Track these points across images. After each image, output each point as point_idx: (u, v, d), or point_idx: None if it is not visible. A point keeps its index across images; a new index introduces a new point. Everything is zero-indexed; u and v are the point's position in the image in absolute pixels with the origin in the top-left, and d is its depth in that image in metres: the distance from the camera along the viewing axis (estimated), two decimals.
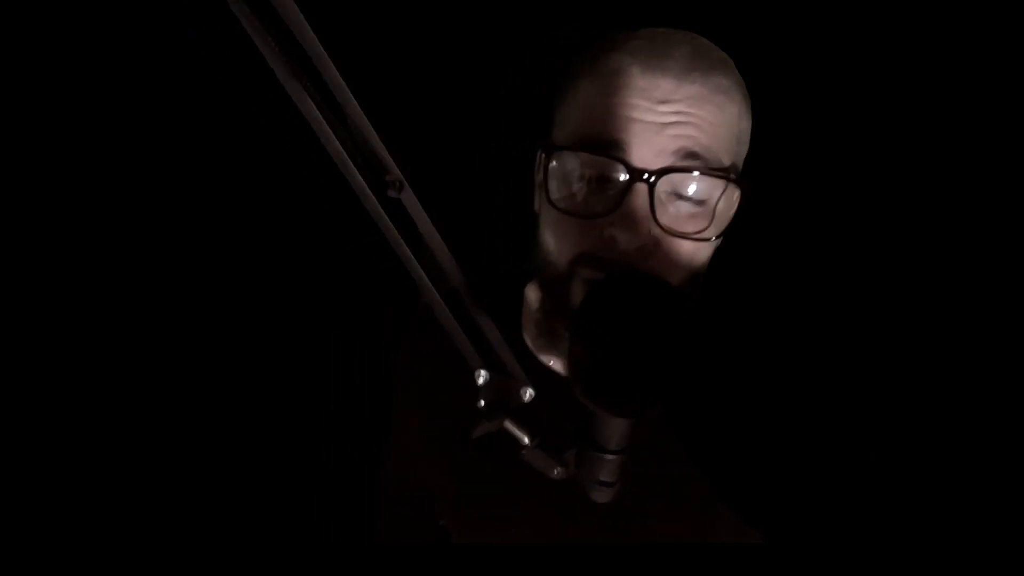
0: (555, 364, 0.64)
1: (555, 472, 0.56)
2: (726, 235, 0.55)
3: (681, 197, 0.51)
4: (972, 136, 0.98)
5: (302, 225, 1.16)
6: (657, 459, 0.64)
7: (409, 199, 0.43)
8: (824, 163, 1.04)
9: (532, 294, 0.67)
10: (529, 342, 0.66)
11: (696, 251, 0.53)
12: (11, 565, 1.00)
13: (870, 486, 0.64)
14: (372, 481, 0.82)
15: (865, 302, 1.04)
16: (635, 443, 0.62)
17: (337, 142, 0.41)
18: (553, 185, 0.53)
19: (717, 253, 0.57)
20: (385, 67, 1.04)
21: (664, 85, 0.50)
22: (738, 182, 0.52)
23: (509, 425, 0.54)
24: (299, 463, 1.27)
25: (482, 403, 0.53)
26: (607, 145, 0.50)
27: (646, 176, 0.49)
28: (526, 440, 0.55)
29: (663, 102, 0.50)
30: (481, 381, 0.52)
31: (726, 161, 0.53)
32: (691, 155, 0.50)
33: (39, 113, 1.06)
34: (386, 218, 0.43)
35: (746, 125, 0.55)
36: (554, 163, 0.53)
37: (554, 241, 0.55)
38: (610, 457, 0.52)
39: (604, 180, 0.52)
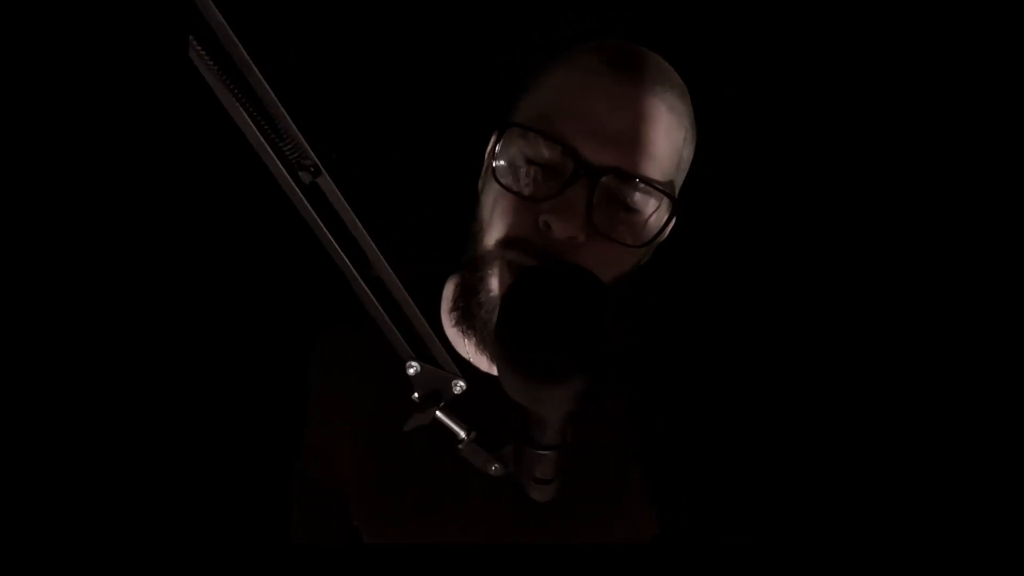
0: (473, 358, 0.63)
1: (492, 468, 0.55)
2: (650, 248, 0.57)
3: (618, 202, 0.53)
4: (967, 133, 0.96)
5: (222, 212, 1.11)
6: (600, 461, 0.63)
7: (326, 184, 0.44)
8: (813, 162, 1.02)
9: (452, 285, 0.67)
10: (449, 335, 0.65)
11: (621, 256, 0.55)
12: (10, 565, 1.00)
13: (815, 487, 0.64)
14: (289, 476, 0.80)
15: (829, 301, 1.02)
16: (584, 445, 0.61)
17: (255, 128, 0.41)
18: (501, 162, 0.55)
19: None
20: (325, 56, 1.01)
21: (628, 92, 0.52)
22: (673, 200, 0.54)
23: (442, 417, 0.53)
24: (213, 458, 1.21)
25: (416, 395, 0.53)
26: (561, 133, 0.52)
27: (591, 171, 0.51)
28: (461, 434, 0.54)
29: (623, 108, 0.52)
30: (412, 372, 0.52)
31: (666, 178, 0.55)
32: (636, 163, 0.52)
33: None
34: (304, 200, 0.43)
35: (688, 154, 0.58)
36: (505, 140, 0.54)
37: (489, 219, 0.56)
38: (544, 453, 0.52)
39: (549, 167, 0.53)
